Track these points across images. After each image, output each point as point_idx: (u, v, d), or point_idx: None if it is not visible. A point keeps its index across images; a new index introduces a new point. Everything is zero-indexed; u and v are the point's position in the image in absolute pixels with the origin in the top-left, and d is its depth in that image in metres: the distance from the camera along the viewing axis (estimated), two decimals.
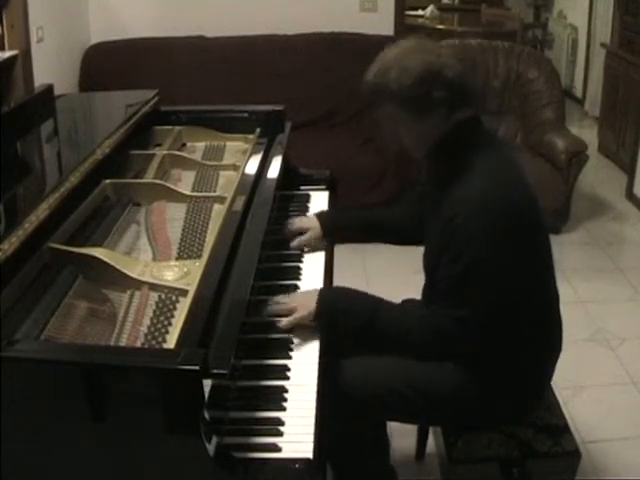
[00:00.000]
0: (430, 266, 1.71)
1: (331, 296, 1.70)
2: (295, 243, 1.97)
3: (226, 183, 1.94)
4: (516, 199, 1.60)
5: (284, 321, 1.62)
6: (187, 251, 1.62)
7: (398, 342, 1.66)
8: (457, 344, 1.61)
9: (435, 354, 1.66)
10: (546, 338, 1.73)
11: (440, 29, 6.05)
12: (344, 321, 1.66)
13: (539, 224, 1.67)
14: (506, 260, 1.56)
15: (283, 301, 1.67)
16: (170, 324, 1.34)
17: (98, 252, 1.49)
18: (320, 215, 2.05)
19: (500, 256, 1.56)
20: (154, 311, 1.38)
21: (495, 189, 1.57)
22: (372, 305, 1.68)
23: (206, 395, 1.19)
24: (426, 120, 1.61)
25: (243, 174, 1.94)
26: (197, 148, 2.26)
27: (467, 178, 1.58)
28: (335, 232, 2.04)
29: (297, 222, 2.03)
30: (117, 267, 1.45)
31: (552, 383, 1.86)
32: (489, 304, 1.57)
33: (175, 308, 1.38)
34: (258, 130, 2.25)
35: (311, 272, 1.89)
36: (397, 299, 1.98)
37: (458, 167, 1.61)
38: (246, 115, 2.32)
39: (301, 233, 1.99)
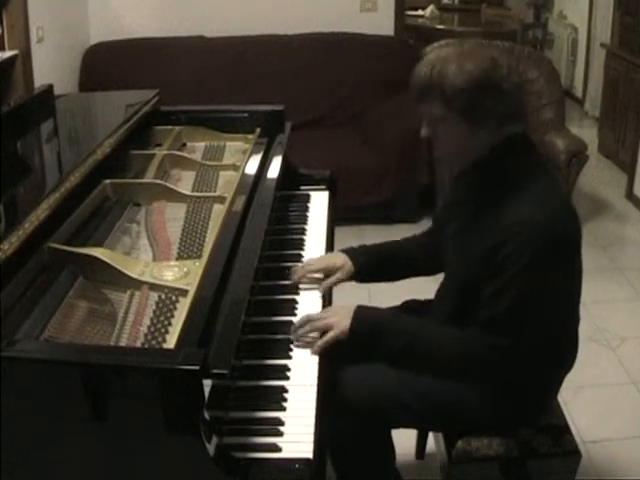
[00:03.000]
0: (464, 288, 1.63)
1: (368, 315, 1.64)
2: (324, 286, 1.78)
3: (226, 183, 1.94)
4: (567, 228, 1.55)
5: (318, 343, 1.57)
6: (187, 251, 1.62)
7: (434, 366, 1.61)
8: (497, 372, 1.57)
9: (471, 378, 1.61)
10: (564, 357, 1.72)
11: (440, 29, 6.05)
12: (383, 341, 1.62)
13: (580, 247, 1.63)
14: (554, 291, 1.54)
15: (317, 317, 1.62)
16: (170, 324, 1.34)
17: (98, 252, 1.48)
18: (348, 251, 1.87)
19: (550, 287, 1.52)
20: (154, 311, 1.38)
21: (548, 217, 1.50)
22: (412, 328, 1.62)
23: (206, 395, 1.19)
24: (476, 130, 1.53)
25: (243, 174, 1.94)
26: (197, 148, 2.26)
27: (517, 201, 1.51)
28: (368, 269, 1.85)
29: (320, 261, 1.85)
30: (117, 267, 1.45)
31: None
32: (536, 334, 1.53)
33: (175, 308, 1.38)
34: (258, 130, 2.25)
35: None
36: (397, 299, 1.99)
37: (506, 187, 1.54)
38: (246, 115, 2.32)
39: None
